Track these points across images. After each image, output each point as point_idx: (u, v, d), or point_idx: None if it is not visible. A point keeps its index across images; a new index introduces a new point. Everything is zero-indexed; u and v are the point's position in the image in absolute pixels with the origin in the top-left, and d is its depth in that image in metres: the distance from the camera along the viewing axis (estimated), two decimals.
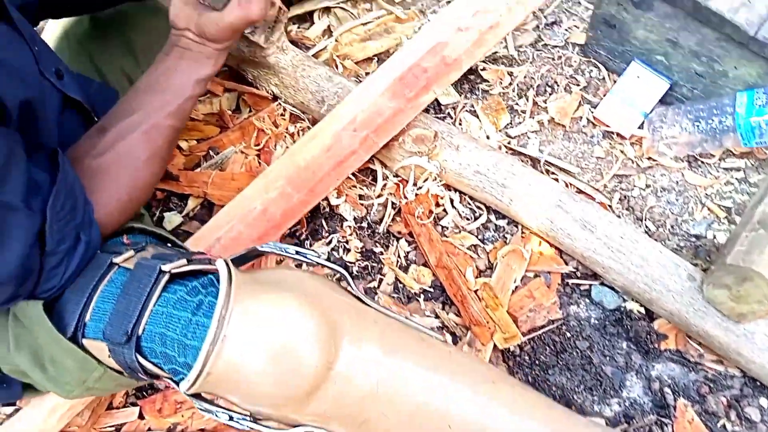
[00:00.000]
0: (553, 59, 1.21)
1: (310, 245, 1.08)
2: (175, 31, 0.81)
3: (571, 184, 1.09)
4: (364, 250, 1.08)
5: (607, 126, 1.13)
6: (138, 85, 0.81)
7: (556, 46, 1.22)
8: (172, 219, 1.13)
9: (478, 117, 1.17)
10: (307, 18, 1.29)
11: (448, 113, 1.17)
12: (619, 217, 1.07)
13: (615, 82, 1.16)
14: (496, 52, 1.22)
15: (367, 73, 1.23)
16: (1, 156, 0.59)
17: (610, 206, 1.08)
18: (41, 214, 0.64)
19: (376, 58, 1.24)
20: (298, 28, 1.29)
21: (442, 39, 1.00)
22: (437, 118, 1.14)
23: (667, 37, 1.03)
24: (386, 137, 1.01)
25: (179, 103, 0.80)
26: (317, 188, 0.98)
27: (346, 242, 1.08)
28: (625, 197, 1.09)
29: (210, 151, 1.19)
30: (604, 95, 1.16)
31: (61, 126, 0.80)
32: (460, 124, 1.16)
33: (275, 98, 1.20)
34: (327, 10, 1.29)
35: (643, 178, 1.10)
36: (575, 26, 1.23)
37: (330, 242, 1.08)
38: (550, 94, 1.18)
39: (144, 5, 1.05)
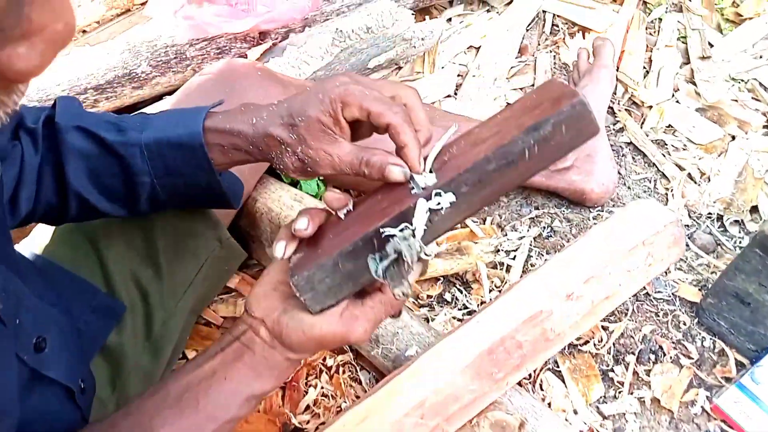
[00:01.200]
0: (658, 316, 0.99)
1: None
2: (246, 318, 0.57)
3: None
4: None
5: (730, 426, 0.89)
6: (168, 385, 0.56)
7: (661, 299, 1.01)
8: None
9: (563, 380, 0.93)
10: None
11: None
12: None
13: (740, 365, 0.94)
14: None
15: (429, 296, 1.02)
16: None
17: None
18: None
19: (442, 279, 1.03)
20: None
21: (545, 307, 0.79)
22: None
23: None
24: (459, 424, 0.77)
25: (214, 428, 0.55)
26: None
27: None
28: None
29: None
30: (724, 379, 0.93)
31: (28, 401, 0.57)
32: (541, 388, 0.93)
33: None
34: None
35: None
36: (685, 279, 1.03)
37: None
38: (654, 363, 0.95)
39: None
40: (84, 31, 1.20)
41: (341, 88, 0.55)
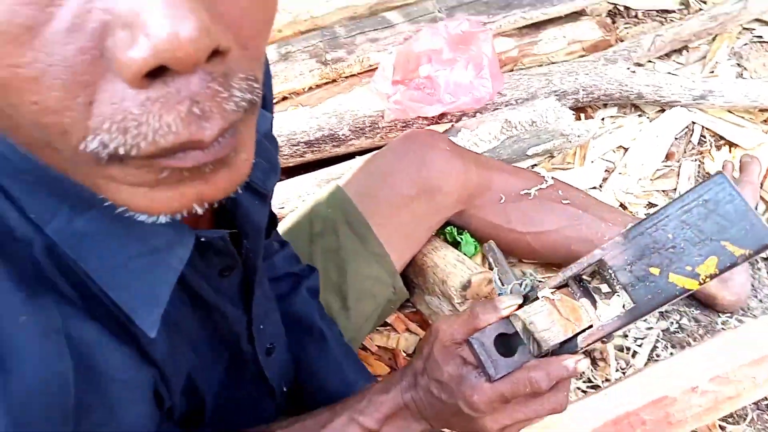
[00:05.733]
0: None
1: None
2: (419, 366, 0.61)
3: None
4: None
5: None
6: None
7: None
8: None
9: None
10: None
11: None
12: None
13: None
14: None
15: None
16: None
17: None
18: None
19: None
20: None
21: (671, 393, 0.89)
22: None
23: None
24: None
25: None
26: None
27: None
28: None
29: None
30: None
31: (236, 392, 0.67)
32: None
33: None
34: None
35: None
36: None
37: None
38: None
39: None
40: (298, 93, 1.48)
41: None
